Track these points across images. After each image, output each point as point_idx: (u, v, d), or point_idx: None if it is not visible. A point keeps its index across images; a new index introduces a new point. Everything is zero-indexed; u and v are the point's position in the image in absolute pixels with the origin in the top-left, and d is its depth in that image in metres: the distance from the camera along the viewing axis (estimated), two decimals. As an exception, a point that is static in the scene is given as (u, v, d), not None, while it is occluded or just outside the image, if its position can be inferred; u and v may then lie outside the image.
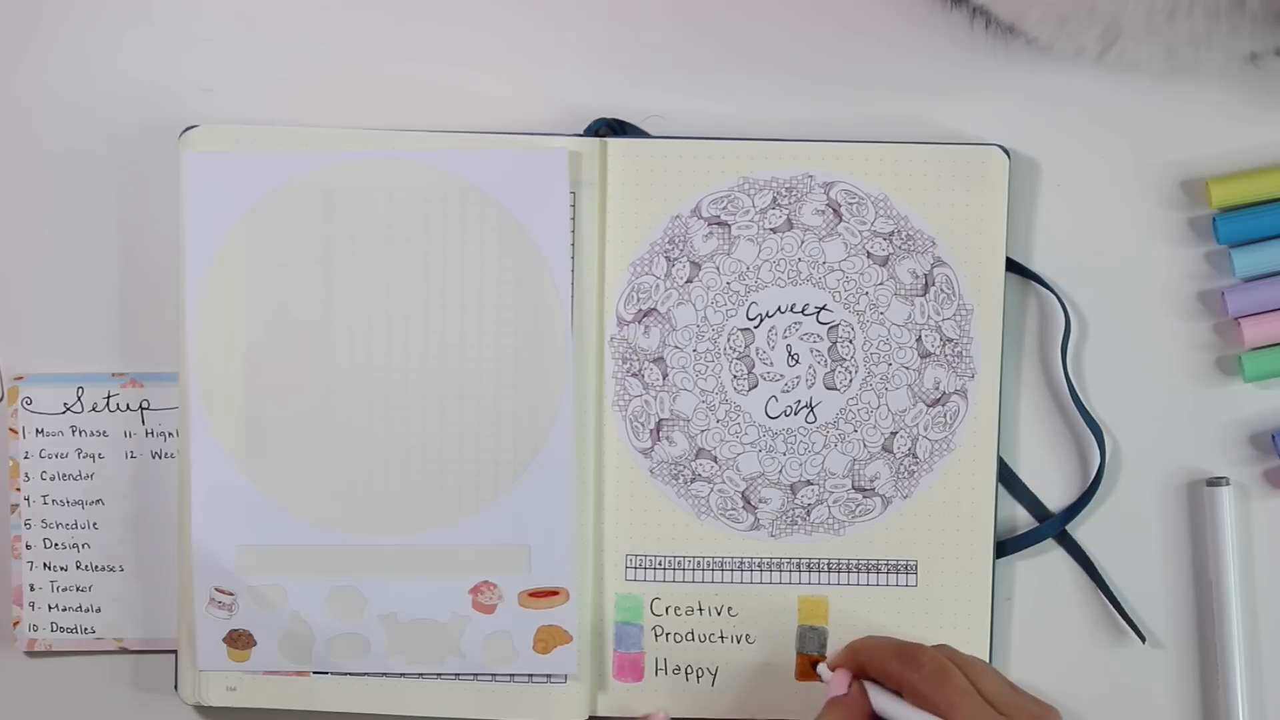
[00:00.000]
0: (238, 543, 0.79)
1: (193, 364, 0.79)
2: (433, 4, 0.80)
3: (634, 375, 0.80)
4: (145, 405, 0.81)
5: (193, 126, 0.79)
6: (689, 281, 0.80)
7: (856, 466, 0.80)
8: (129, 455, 0.81)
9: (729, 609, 0.80)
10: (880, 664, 0.72)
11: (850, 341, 0.80)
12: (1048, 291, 0.80)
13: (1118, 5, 0.69)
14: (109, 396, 0.81)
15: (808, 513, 0.80)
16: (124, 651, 0.81)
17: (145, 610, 0.81)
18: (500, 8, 0.80)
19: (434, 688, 0.80)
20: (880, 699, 0.72)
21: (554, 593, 0.79)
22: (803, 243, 0.79)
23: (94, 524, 0.81)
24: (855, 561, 0.80)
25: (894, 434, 0.80)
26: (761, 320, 0.80)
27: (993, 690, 0.71)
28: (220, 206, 0.79)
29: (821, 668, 0.75)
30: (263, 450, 0.79)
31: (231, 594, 0.79)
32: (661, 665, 0.80)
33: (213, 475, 0.79)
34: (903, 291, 0.79)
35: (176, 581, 0.80)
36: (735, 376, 0.80)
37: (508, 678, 0.80)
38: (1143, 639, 0.80)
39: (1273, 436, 0.80)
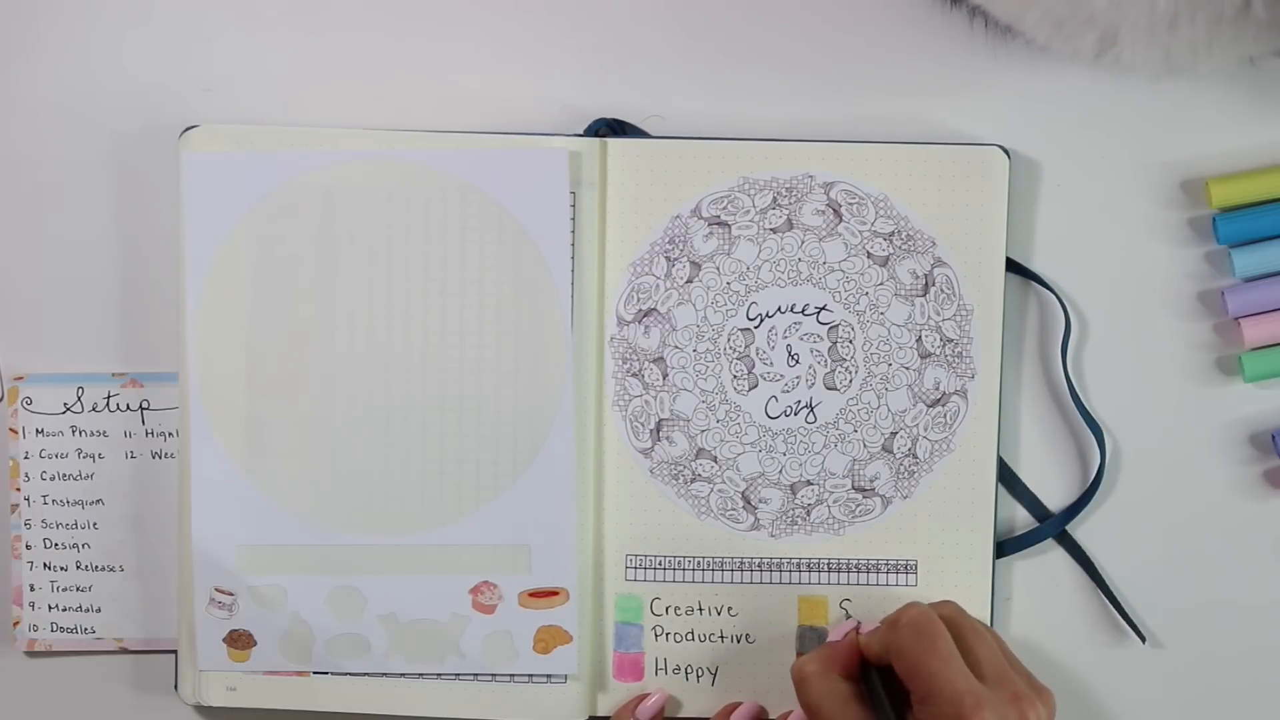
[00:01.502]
0: (238, 543, 0.79)
1: (193, 364, 0.79)
2: (433, 4, 0.80)
3: (634, 375, 0.80)
4: (145, 405, 0.81)
5: (193, 126, 0.79)
6: (689, 281, 0.80)
7: (856, 466, 0.80)
8: (129, 455, 0.81)
9: (729, 609, 0.80)
10: (879, 636, 0.72)
11: (850, 342, 0.80)
12: (1048, 291, 0.80)
13: (1118, 12, 0.69)
14: (109, 396, 0.81)
15: (808, 513, 0.80)
16: (124, 651, 0.81)
17: (145, 610, 0.81)
18: (500, 8, 0.80)
19: (434, 688, 0.80)
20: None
21: (554, 593, 0.79)
22: (803, 243, 0.79)
23: (94, 524, 0.81)
24: (855, 561, 0.80)
25: (894, 434, 0.80)
26: (761, 320, 0.80)
27: (985, 658, 0.71)
28: (220, 206, 0.79)
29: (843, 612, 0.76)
30: (263, 450, 0.79)
31: (231, 594, 0.79)
32: (661, 665, 0.80)
33: (213, 475, 0.79)
34: (903, 292, 0.79)
35: (176, 581, 0.80)
36: (735, 376, 0.80)
37: (508, 678, 0.80)
38: (1143, 639, 0.80)
39: (1273, 436, 0.80)
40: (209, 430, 0.79)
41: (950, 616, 0.73)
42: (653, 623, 0.80)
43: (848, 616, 0.79)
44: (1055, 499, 0.81)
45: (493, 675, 0.80)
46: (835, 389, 0.80)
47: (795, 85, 0.80)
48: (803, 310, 0.80)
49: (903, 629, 0.70)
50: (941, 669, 0.69)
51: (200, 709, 0.81)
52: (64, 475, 0.81)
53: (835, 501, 0.80)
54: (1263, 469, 0.81)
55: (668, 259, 0.80)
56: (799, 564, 0.80)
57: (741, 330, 0.80)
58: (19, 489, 0.81)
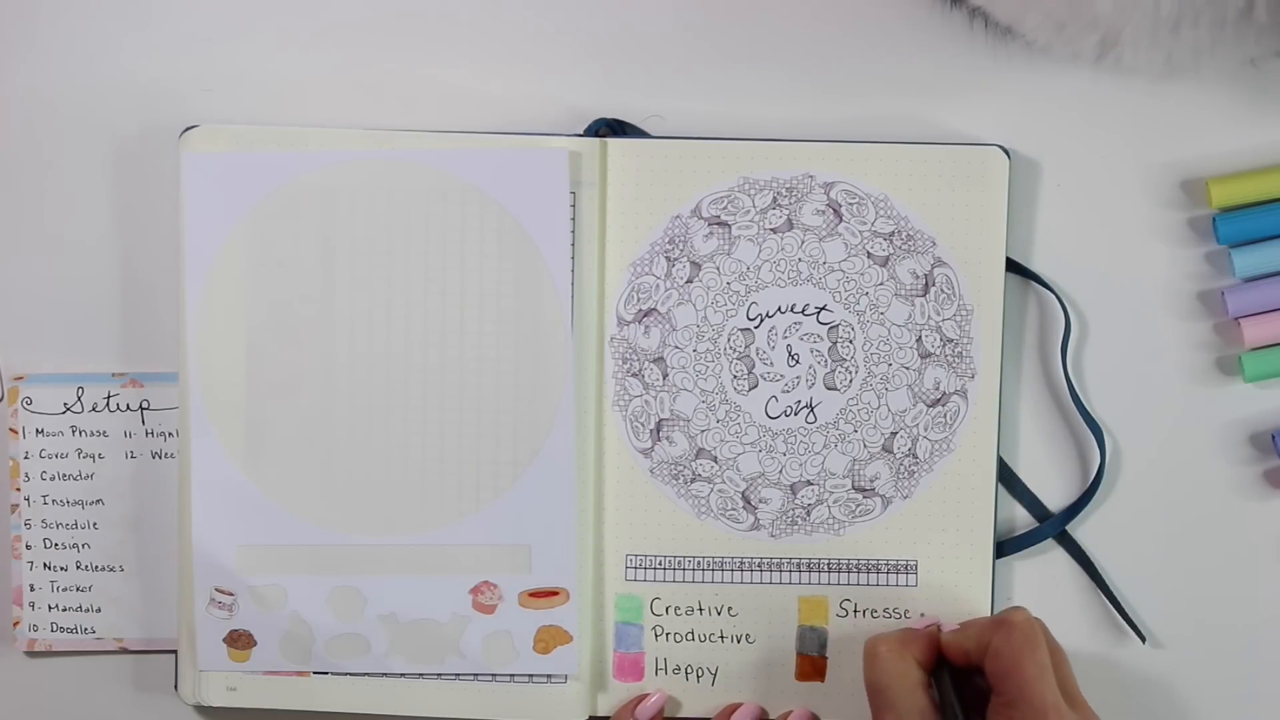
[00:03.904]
0: (238, 543, 0.79)
1: (193, 364, 0.79)
2: (433, 4, 0.80)
3: (634, 375, 0.80)
4: (145, 405, 0.81)
5: (193, 126, 0.79)
6: (689, 281, 0.80)
7: (856, 466, 0.80)
8: (129, 455, 0.81)
9: (729, 609, 0.80)
10: (976, 630, 0.72)
11: (850, 342, 0.80)
12: (1048, 291, 0.80)
13: (1120, 15, 0.69)
14: (109, 396, 0.81)
15: (808, 513, 0.80)
16: (124, 651, 0.81)
17: (145, 610, 0.81)
18: (500, 8, 0.80)
19: (434, 688, 0.80)
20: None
21: (554, 593, 0.79)
22: (803, 243, 0.79)
23: (94, 524, 0.81)
24: (855, 561, 0.80)
25: (894, 434, 0.80)
26: (762, 320, 0.80)
27: (1067, 679, 0.72)
28: (220, 206, 0.79)
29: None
30: (263, 450, 0.79)
31: (231, 594, 0.79)
32: (661, 665, 0.80)
33: (213, 475, 0.79)
34: (903, 292, 0.79)
35: (176, 581, 0.80)
36: (735, 376, 0.80)
37: (508, 678, 0.80)
38: (1143, 639, 0.80)
39: (1273, 436, 0.80)
40: (209, 430, 0.79)
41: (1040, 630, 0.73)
42: (653, 623, 0.80)
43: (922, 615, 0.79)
44: (1055, 499, 0.81)
45: (493, 675, 0.80)
46: (835, 389, 0.80)
47: (795, 85, 0.80)
48: (803, 310, 0.80)
49: (1012, 628, 0.71)
50: (1038, 677, 0.69)
51: (200, 709, 0.81)
52: (64, 475, 0.81)
53: (835, 501, 0.80)
54: (1263, 469, 0.81)
55: (668, 259, 0.80)
56: (799, 564, 0.80)
57: (741, 330, 0.80)
58: (19, 489, 0.81)
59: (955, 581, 0.80)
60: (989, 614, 0.79)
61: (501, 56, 0.80)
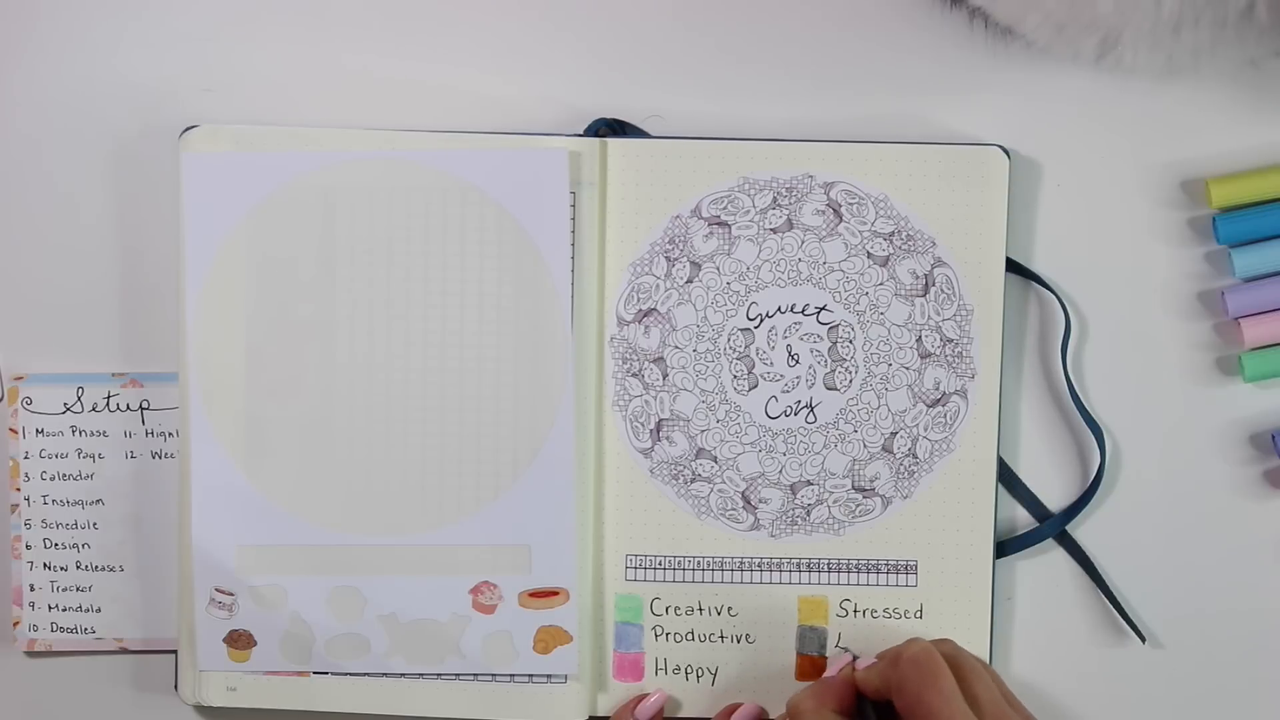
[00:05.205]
0: (238, 543, 0.79)
1: (193, 364, 0.79)
2: (433, 4, 0.80)
3: (634, 375, 0.80)
4: (145, 405, 0.81)
5: (193, 126, 0.79)
6: (689, 282, 0.80)
7: (856, 466, 0.80)
8: (129, 455, 0.81)
9: (729, 609, 0.80)
10: (879, 669, 0.72)
11: (850, 342, 0.80)
12: (1048, 291, 0.80)
13: (1121, 16, 0.69)
14: (109, 396, 0.81)
15: (808, 513, 0.80)
16: (124, 651, 0.81)
17: (145, 610, 0.81)
18: (500, 8, 0.80)
19: (434, 688, 0.80)
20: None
21: (554, 593, 0.79)
22: (803, 243, 0.79)
23: (94, 524, 0.81)
24: (855, 561, 0.80)
25: (894, 434, 0.80)
26: (761, 320, 0.80)
27: (984, 696, 0.71)
28: (220, 206, 0.79)
29: (839, 648, 0.77)
30: (263, 450, 0.79)
31: (231, 594, 0.79)
32: (661, 665, 0.80)
33: (213, 475, 0.79)
34: (903, 292, 0.79)
35: (176, 581, 0.80)
36: (735, 376, 0.80)
37: (508, 678, 0.80)
38: (1143, 639, 0.80)
39: (1273, 436, 0.80)
40: (209, 430, 0.79)
41: (949, 654, 0.72)
42: (653, 623, 0.80)
43: (841, 648, 0.79)
44: (1055, 499, 0.81)
45: (493, 675, 0.80)
46: (835, 389, 0.80)
47: (795, 85, 0.80)
48: (803, 310, 0.80)
49: (905, 664, 0.70)
50: (943, 706, 0.69)
51: (200, 709, 0.81)
52: (64, 475, 0.81)
53: (835, 501, 0.80)
54: (1263, 469, 0.81)
55: (668, 259, 0.80)
56: (799, 564, 0.80)
57: (741, 330, 0.80)
58: (19, 489, 0.81)
59: (955, 581, 0.80)
60: (988, 614, 0.79)
61: (501, 56, 0.81)
